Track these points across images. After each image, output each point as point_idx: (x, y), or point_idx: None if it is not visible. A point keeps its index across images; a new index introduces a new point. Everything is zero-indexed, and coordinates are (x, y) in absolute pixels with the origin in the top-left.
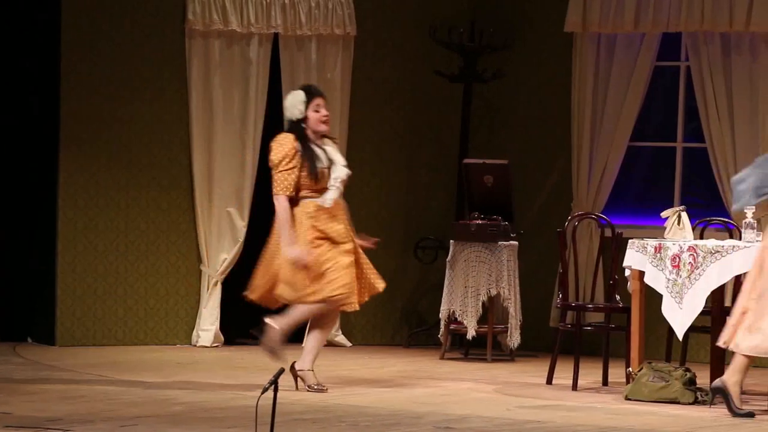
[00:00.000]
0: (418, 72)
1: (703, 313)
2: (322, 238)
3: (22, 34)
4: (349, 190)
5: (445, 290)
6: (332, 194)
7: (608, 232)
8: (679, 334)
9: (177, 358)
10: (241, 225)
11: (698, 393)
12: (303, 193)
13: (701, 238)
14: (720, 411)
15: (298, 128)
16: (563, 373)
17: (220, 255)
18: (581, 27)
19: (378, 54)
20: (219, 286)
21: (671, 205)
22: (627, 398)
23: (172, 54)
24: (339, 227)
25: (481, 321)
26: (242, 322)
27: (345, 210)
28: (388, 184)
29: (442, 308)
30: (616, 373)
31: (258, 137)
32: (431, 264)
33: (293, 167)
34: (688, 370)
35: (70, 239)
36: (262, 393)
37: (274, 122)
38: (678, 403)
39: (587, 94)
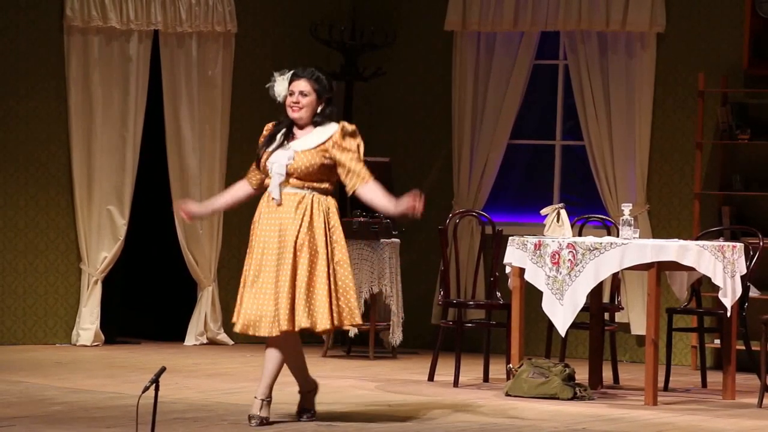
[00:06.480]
0: None
1: (581, 309)
2: None
3: None
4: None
5: None
6: None
7: (489, 230)
8: (561, 330)
9: (56, 357)
10: (122, 223)
11: (577, 388)
12: None
13: (580, 235)
14: (597, 406)
15: None
16: (445, 370)
17: (100, 253)
18: (461, 26)
19: (259, 51)
20: (99, 285)
21: (550, 203)
22: (507, 394)
23: (50, 50)
24: None
25: (363, 318)
26: (122, 321)
27: None
28: None
29: None
30: (497, 369)
31: (138, 135)
32: None
33: None
34: (567, 365)
35: None
36: (143, 392)
37: (154, 120)
38: (557, 398)
39: (467, 93)
